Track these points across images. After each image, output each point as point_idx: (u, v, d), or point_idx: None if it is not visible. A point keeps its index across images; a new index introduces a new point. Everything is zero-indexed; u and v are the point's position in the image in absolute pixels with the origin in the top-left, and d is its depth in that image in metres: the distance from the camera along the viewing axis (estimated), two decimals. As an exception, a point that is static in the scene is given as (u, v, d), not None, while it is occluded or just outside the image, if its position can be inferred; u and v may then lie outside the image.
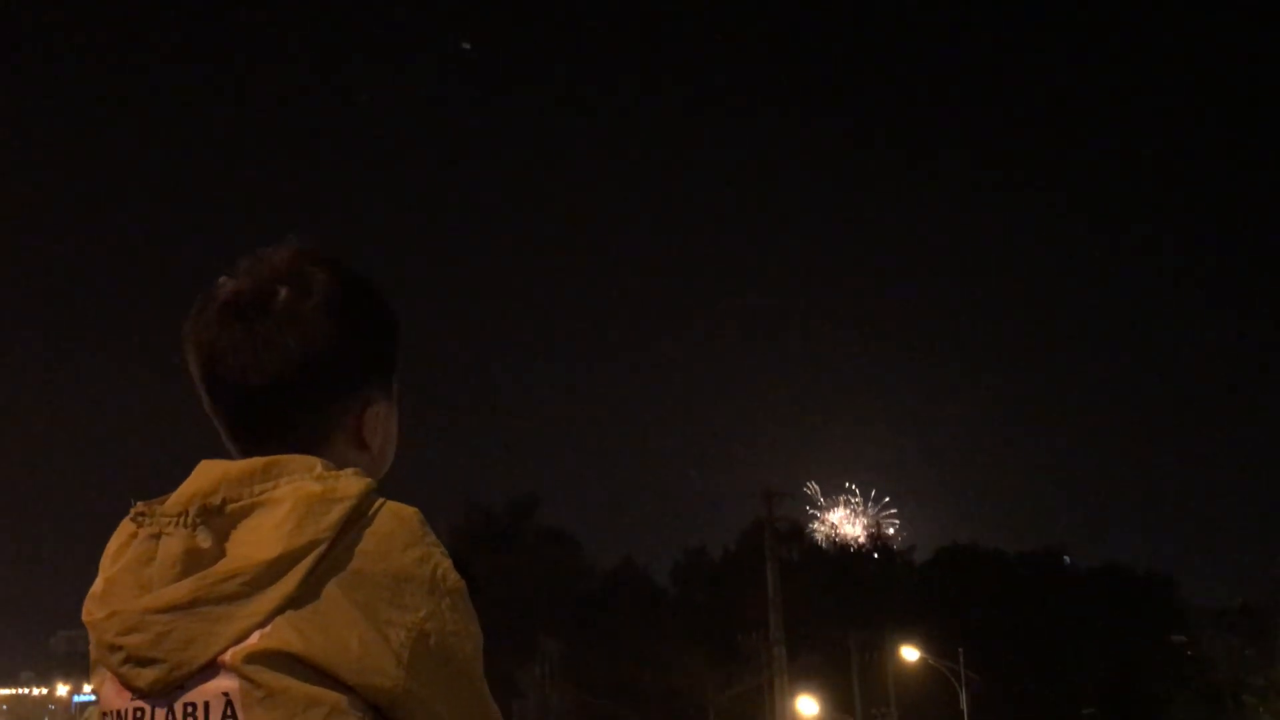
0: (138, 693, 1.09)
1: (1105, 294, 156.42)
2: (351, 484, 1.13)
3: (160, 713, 1.08)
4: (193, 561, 1.09)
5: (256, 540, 1.08)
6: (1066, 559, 54.42)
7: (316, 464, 1.14)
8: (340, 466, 1.16)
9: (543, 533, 54.42)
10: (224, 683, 1.06)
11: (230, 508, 1.11)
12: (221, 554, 1.09)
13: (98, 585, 1.15)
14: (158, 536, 1.12)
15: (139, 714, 1.09)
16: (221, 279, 1.23)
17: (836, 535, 72.76)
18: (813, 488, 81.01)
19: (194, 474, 1.15)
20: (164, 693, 1.08)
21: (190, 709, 1.07)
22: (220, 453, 1.21)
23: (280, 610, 1.06)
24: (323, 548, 1.08)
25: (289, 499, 1.10)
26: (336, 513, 1.10)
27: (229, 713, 1.06)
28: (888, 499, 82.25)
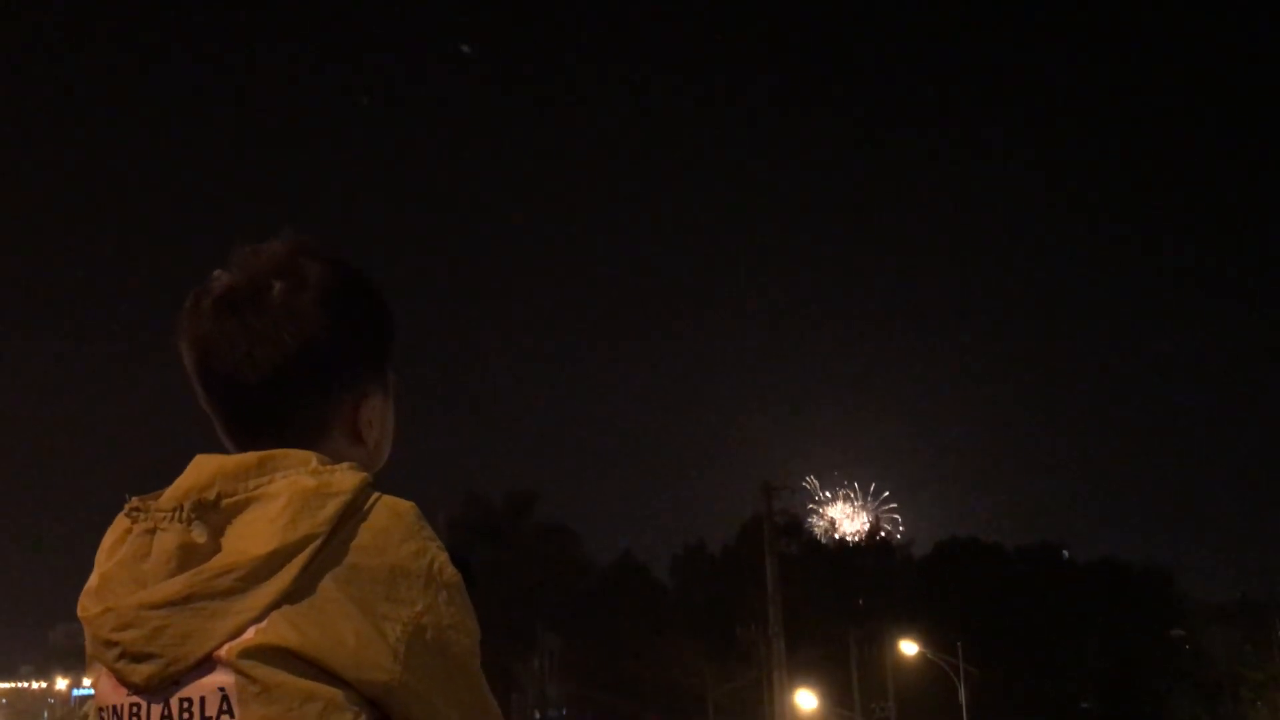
0: (133, 688, 1.09)
1: (1105, 291, 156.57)
2: (347, 478, 1.12)
3: (156, 708, 1.08)
4: (188, 557, 1.08)
5: (252, 535, 1.08)
6: (1065, 554, 54.53)
7: (312, 458, 1.14)
8: (336, 461, 1.15)
9: (542, 527, 54.43)
10: (220, 678, 1.05)
11: (225, 503, 1.10)
12: (217, 549, 1.08)
13: (93, 581, 1.14)
14: (153, 532, 1.11)
15: (135, 710, 1.09)
16: (216, 272, 1.22)
17: (836, 530, 72.84)
18: (812, 482, 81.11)
19: (189, 469, 1.14)
20: (160, 688, 1.07)
21: (186, 704, 1.06)
22: (216, 447, 1.21)
23: (276, 605, 1.05)
24: (318, 542, 1.07)
25: (284, 494, 1.09)
26: (332, 507, 1.09)
27: (225, 708, 1.05)
28: (887, 493, 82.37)
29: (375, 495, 1.13)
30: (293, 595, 1.05)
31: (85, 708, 1.18)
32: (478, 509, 53.67)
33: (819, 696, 37.21)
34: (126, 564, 1.12)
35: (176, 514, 1.10)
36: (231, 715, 1.05)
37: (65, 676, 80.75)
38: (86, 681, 1.21)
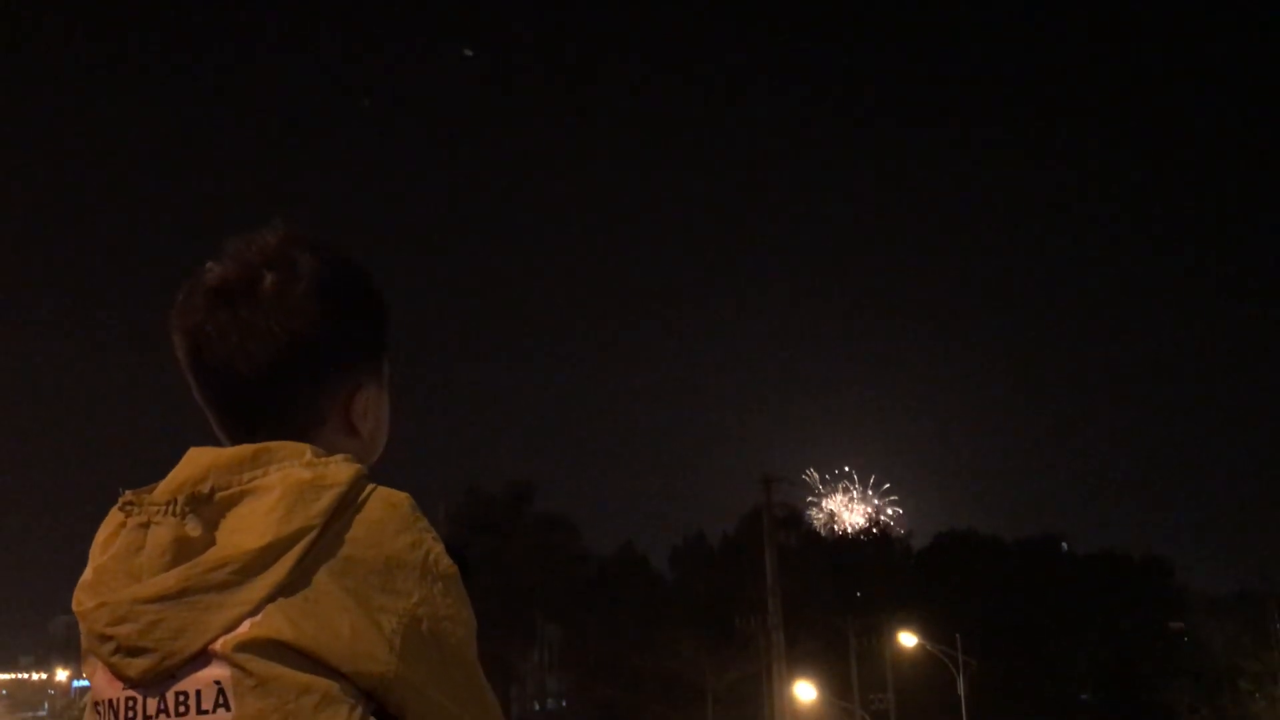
0: (129, 682, 1.08)
1: (1105, 283, 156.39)
2: (342, 470, 1.11)
3: (152, 702, 1.07)
4: (182, 550, 1.08)
5: (246, 528, 1.07)
6: (1064, 545, 54.56)
7: (306, 450, 1.13)
8: (331, 452, 1.14)
9: (542, 518, 54.48)
10: (215, 671, 1.05)
11: (219, 496, 1.09)
12: (211, 542, 1.08)
13: (87, 575, 1.13)
14: (146, 525, 1.11)
15: (131, 704, 1.08)
16: (208, 264, 1.21)
17: (835, 522, 72.92)
18: (812, 475, 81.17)
19: (183, 462, 1.14)
20: (155, 682, 1.06)
21: (182, 698, 1.06)
22: (211, 439, 1.20)
23: (271, 598, 1.04)
24: (313, 535, 1.06)
25: (278, 486, 1.09)
26: (326, 499, 1.08)
27: (221, 701, 1.04)
28: (887, 485, 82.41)
29: (370, 487, 1.13)
30: (288, 588, 1.05)
31: (85, 699, 1.17)
32: (477, 501, 53.69)
33: (818, 688, 37.28)
34: (121, 558, 1.11)
35: (170, 507, 1.10)
36: (228, 708, 1.04)
37: (65, 668, 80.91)
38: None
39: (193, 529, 1.08)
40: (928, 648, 38.64)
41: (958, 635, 37.01)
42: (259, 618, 1.04)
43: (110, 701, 1.10)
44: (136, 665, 1.06)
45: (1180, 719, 43.18)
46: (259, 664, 1.03)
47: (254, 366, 1.16)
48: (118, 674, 1.09)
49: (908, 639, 39.89)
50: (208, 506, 1.09)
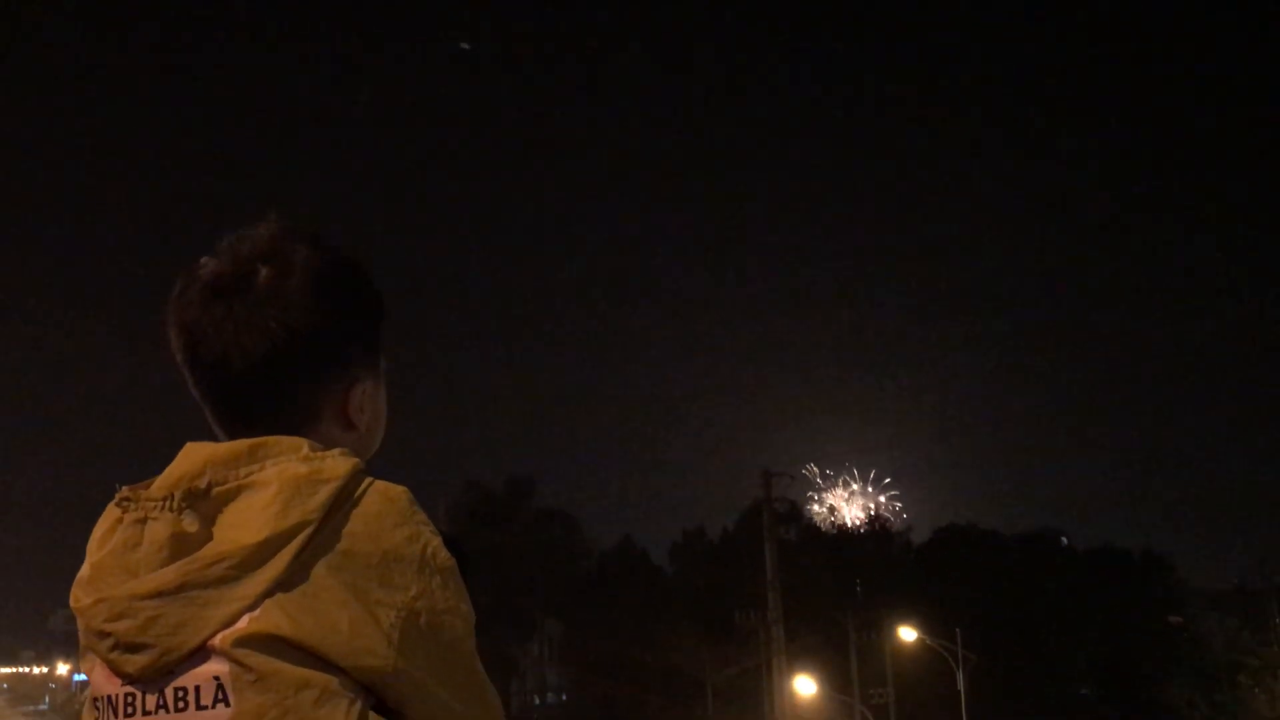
0: (128, 678, 1.08)
1: (1105, 279, 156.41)
2: (338, 464, 1.11)
3: (151, 698, 1.07)
4: (179, 546, 1.08)
5: (243, 523, 1.07)
6: (1064, 540, 54.53)
7: (303, 445, 1.13)
8: (328, 446, 1.14)
9: (541, 512, 54.54)
10: (214, 667, 1.05)
11: (216, 491, 1.09)
12: (208, 538, 1.08)
13: (84, 571, 1.13)
14: (143, 521, 1.10)
15: (130, 699, 1.08)
16: (202, 259, 1.21)
17: (835, 516, 72.97)
18: (812, 469, 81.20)
19: (179, 457, 1.14)
20: (154, 678, 1.06)
21: (181, 694, 1.05)
22: (206, 434, 1.20)
23: (269, 593, 1.04)
24: (310, 529, 1.06)
25: (275, 481, 1.09)
26: (324, 494, 1.08)
27: (220, 696, 1.04)
28: (887, 480, 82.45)
29: (367, 481, 1.13)
30: (286, 583, 1.05)
31: (85, 694, 1.17)
32: (478, 495, 53.73)
33: (818, 682, 37.28)
34: (118, 554, 1.11)
35: (167, 503, 1.09)
36: (227, 704, 1.04)
37: (66, 661, 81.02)
38: (86, 668, 1.21)
39: (190, 524, 1.08)
40: (927, 642, 38.64)
41: (958, 630, 37.00)
42: (257, 613, 1.04)
43: (109, 698, 1.10)
44: (135, 661, 1.06)
45: (1179, 714, 43.21)
46: (258, 659, 1.03)
47: (249, 361, 1.16)
48: (116, 670, 1.08)
49: (908, 633, 39.88)
50: (205, 502, 1.09)
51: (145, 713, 1.07)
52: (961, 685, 36.23)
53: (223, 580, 1.05)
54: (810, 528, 56.66)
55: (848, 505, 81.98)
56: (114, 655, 1.08)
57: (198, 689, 1.05)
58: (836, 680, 40.80)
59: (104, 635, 1.08)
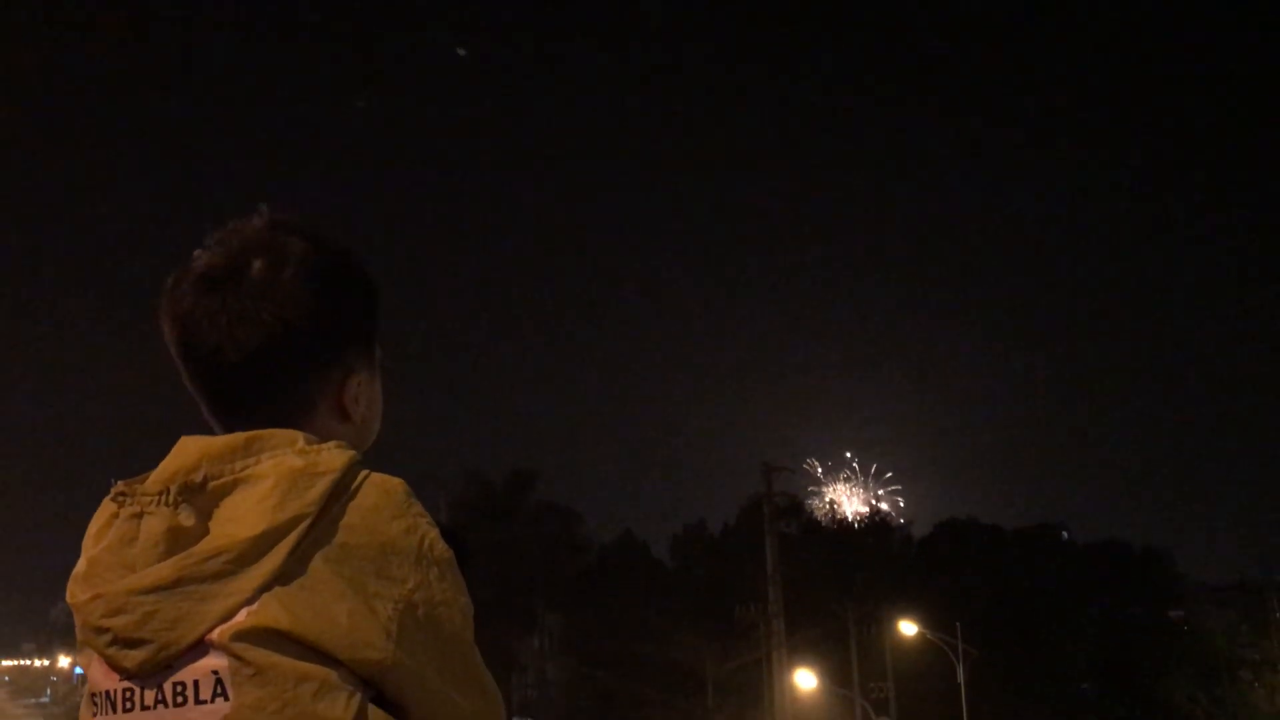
0: (126, 674, 1.07)
1: (1105, 275, 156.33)
2: (335, 457, 1.11)
3: (149, 693, 1.06)
4: (176, 540, 1.07)
5: (240, 517, 1.06)
6: (1064, 534, 54.56)
7: (299, 437, 1.12)
8: (323, 439, 1.14)
9: (542, 506, 54.49)
10: (213, 661, 1.04)
11: (212, 485, 1.09)
12: (205, 532, 1.07)
13: (80, 566, 1.12)
14: (139, 516, 1.10)
15: (128, 694, 1.08)
16: (196, 252, 1.21)
17: (836, 510, 72.99)
18: (813, 464, 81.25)
19: (174, 451, 1.13)
20: (153, 673, 1.06)
21: (179, 688, 1.05)
22: (202, 427, 1.19)
23: (267, 587, 1.04)
24: (307, 522, 1.06)
25: (271, 474, 1.08)
26: (320, 487, 1.08)
27: (219, 691, 1.04)
28: (889, 474, 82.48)
29: (364, 473, 1.12)
30: (283, 576, 1.04)
31: (85, 688, 1.17)
32: (478, 488, 53.70)
33: (818, 676, 37.33)
34: (114, 549, 1.10)
35: (163, 497, 1.09)
36: (225, 698, 1.04)
37: (67, 654, 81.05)
38: (86, 661, 1.20)
39: (186, 519, 1.07)
40: (928, 636, 38.68)
41: (958, 624, 37.03)
42: (255, 606, 1.04)
43: (107, 693, 1.09)
44: (133, 657, 1.06)
45: (1180, 708, 43.24)
46: (256, 653, 1.03)
47: (244, 353, 1.15)
48: (114, 666, 1.08)
49: (908, 627, 39.92)
50: (201, 496, 1.08)
51: (144, 708, 1.06)
52: (961, 679, 36.28)
53: (220, 575, 1.05)
54: (811, 522, 56.66)
55: (848, 499, 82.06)
56: (112, 651, 1.07)
57: (196, 684, 1.05)
58: (837, 674, 40.84)
59: (101, 631, 1.08)
